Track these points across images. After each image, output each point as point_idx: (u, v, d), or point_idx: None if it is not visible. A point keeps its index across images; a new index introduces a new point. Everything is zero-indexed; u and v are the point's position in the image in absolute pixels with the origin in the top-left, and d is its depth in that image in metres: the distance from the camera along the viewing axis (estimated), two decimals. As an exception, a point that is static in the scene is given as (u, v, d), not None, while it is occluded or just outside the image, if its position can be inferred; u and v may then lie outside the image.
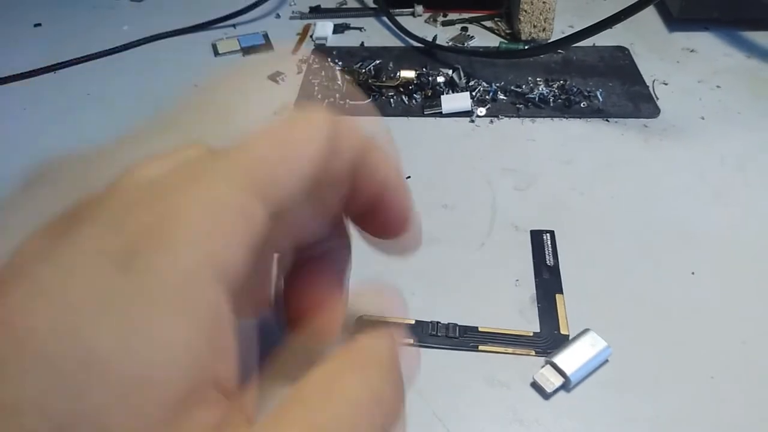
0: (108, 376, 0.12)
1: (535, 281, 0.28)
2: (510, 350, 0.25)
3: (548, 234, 0.30)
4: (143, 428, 0.12)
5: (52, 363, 0.12)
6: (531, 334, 0.26)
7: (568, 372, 0.24)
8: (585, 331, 0.25)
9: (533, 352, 0.25)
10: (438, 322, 0.26)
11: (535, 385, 0.24)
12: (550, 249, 0.29)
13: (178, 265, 0.13)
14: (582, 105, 0.39)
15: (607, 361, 0.25)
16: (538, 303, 0.27)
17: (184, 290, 0.13)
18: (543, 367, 0.24)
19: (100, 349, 0.12)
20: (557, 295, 0.27)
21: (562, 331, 0.26)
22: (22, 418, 0.12)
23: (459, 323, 0.26)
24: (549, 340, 0.26)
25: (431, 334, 0.26)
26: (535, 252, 0.29)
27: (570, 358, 0.24)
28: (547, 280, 0.28)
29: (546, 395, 0.24)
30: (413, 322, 0.26)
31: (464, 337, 0.26)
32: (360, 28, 0.49)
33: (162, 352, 0.13)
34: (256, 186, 0.14)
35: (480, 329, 0.26)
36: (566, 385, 0.24)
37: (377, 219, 0.19)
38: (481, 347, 0.25)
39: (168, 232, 0.13)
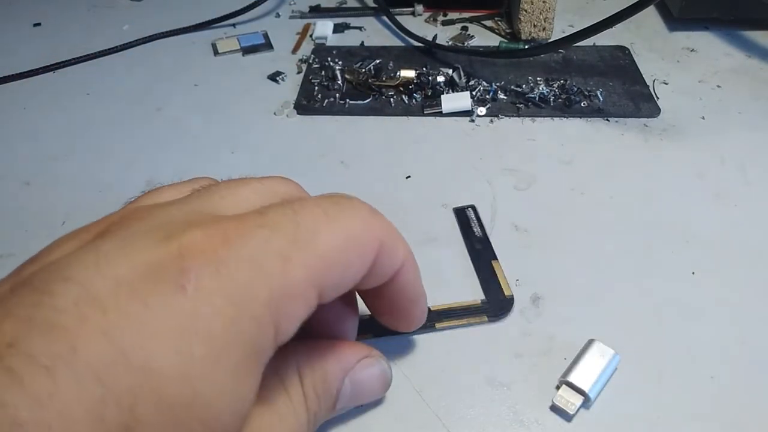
0: (203, 416, 0.14)
1: (469, 255, 0.29)
2: (464, 320, 0.26)
3: (470, 209, 0.32)
4: None
5: (161, 397, 0.13)
6: (479, 303, 0.27)
7: (586, 388, 0.23)
8: (590, 341, 0.25)
9: (486, 318, 0.26)
10: None
11: (555, 409, 0.23)
12: (475, 221, 0.31)
13: (261, 332, 0.15)
14: (582, 104, 0.39)
15: (616, 368, 0.24)
16: (477, 273, 0.28)
17: (260, 354, 0.15)
18: (559, 388, 0.24)
19: (203, 392, 0.13)
20: (493, 262, 0.29)
21: (506, 293, 0.27)
22: (72, 427, 0.12)
23: None
24: (496, 304, 0.27)
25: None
26: (462, 229, 0.30)
27: (584, 374, 0.23)
28: (480, 251, 0.29)
29: (569, 417, 0.23)
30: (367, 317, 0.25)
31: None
32: (360, 28, 0.49)
33: (236, 402, 0.14)
34: (321, 286, 0.17)
35: (432, 308, 0.26)
36: (586, 403, 0.23)
37: (396, 319, 0.23)
38: (438, 324, 0.26)
39: (259, 300, 0.15)
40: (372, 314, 0.24)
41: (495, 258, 0.29)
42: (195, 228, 0.15)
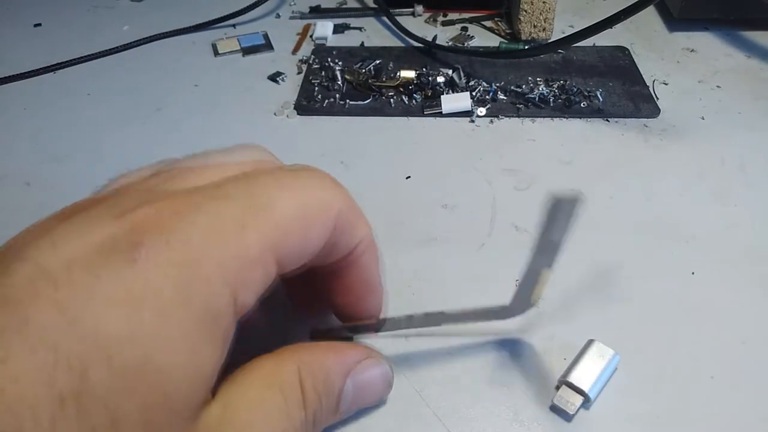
0: (157, 380, 0.14)
1: (533, 252, 0.21)
2: (472, 323, 0.23)
3: (575, 201, 0.19)
4: (178, 425, 0.14)
5: (112, 361, 0.13)
6: (498, 308, 0.23)
7: (586, 388, 0.23)
8: (590, 342, 0.25)
9: (495, 320, 0.23)
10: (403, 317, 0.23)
11: (555, 409, 0.23)
12: (566, 218, 0.20)
13: (215, 300, 0.15)
14: (582, 105, 0.39)
15: (616, 368, 0.24)
16: (527, 272, 0.22)
17: (217, 321, 0.15)
18: (558, 388, 0.24)
19: (154, 357, 0.13)
20: (544, 270, 0.22)
21: (532, 302, 0.22)
22: (25, 390, 0.12)
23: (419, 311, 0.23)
24: (516, 310, 0.23)
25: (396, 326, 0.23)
26: (548, 220, 0.20)
27: (583, 374, 0.23)
28: (542, 253, 0.21)
29: (568, 417, 0.23)
30: (374, 320, 0.23)
31: (428, 322, 0.23)
32: (360, 28, 0.49)
33: (194, 369, 0.15)
34: (279, 255, 0.17)
35: (446, 312, 0.23)
36: (586, 403, 0.23)
37: (350, 306, 0.22)
38: (444, 324, 0.23)
39: (213, 267, 0.15)
40: (327, 303, 0.23)
41: (549, 266, 0.21)
42: (147, 204, 0.15)
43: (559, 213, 0.19)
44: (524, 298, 0.23)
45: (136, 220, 0.15)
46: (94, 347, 0.13)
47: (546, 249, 0.21)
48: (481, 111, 0.39)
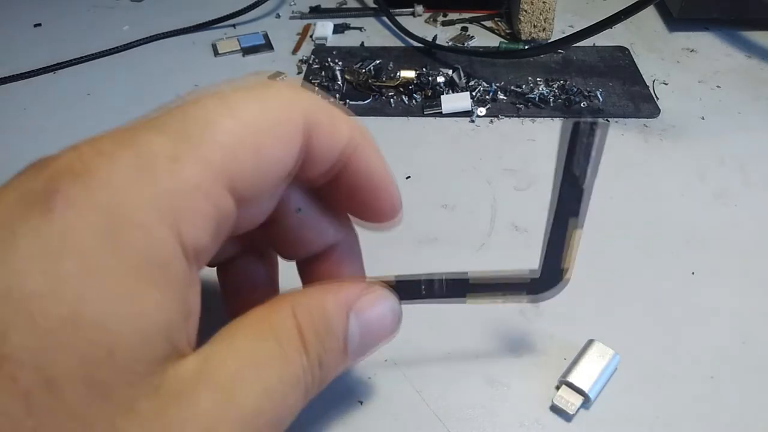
0: (92, 335, 0.12)
1: (554, 199, 0.19)
2: (500, 300, 0.21)
3: (601, 127, 0.18)
4: (131, 381, 0.13)
5: (35, 320, 0.12)
6: (527, 277, 0.21)
7: (586, 388, 0.23)
8: (590, 341, 0.25)
9: (525, 299, 0.21)
10: (423, 279, 0.22)
11: (555, 409, 0.23)
12: (592, 148, 0.18)
13: (151, 240, 0.13)
14: (582, 105, 0.39)
15: (616, 368, 0.24)
16: (548, 226, 0.20)
17: (159, 264, 0.14)
18: (559, 388, 0.24)
19: (84, 311, 0.12)
20: (575, 231, 0.19)
21: (566, 276, 0.20)
22: (6, 366, 0.12)
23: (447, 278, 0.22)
24: (547, 286, 0.21)
25: (414, 293, 0.22)
26: (567, 154, 0.19)
27: (583, 374, 0.23)
28: (567, 203, 0.19)
29: (569, 417, 0.23)
30: (393, 281, 0.21)
31: (451, 292, 0.22)
32: (360, 28, 0.49)
33: (140, 319, 0.13)
34: (230, 180, 0.15)
35: (470, 280, 0.21)
36: (586, 403, 0.23)
37: (367, 209, 0.20)
38: (469, 299, 0.22)
39: (143, 207, 0.14)
40: (341, 211, 0.21)
41: (580, 226, 0.19)
42: (71, 149, 0.14)
43: (583, 146, 0.16)
44: (554, 268, 0.20)
45: (56, 167, 0.14)
46: (12, 308, 0.12)
47: (570, 199, 0.17)
48: (481, 111, 0.39)
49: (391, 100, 0.40)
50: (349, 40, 0.47)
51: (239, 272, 0.22)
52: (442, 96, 0.39)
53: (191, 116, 0.15)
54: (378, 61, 0.43)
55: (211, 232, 0.15)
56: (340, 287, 0.19)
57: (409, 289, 0.22)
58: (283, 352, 0.16)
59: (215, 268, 0.23)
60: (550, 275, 0.21)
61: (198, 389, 0.14)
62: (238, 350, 0.16)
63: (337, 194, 0.20)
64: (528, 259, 0.29)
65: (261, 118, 0.16)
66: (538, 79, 0.41)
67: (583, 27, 0.38)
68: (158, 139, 0.14)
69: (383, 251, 0.30)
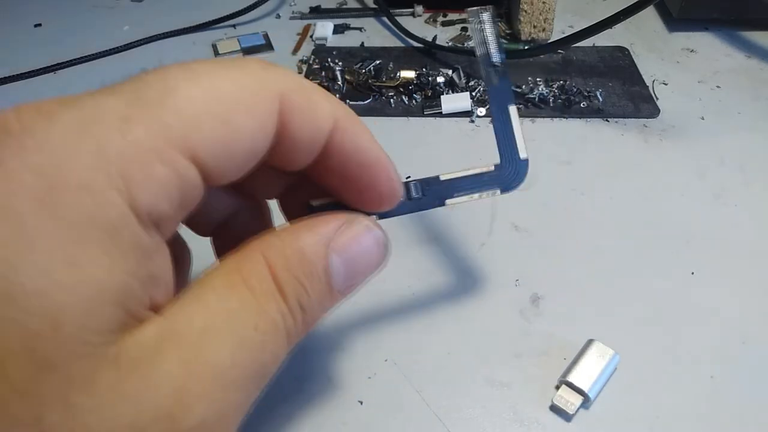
0: (32, 307, 0.12)
1: (482, 82, 0.23)
2: (476, 195, 0.22)
3: (485, 11, 0.22)
4: (83, 353, 0.12)
5: None
6: (492, 169, 0.22)
7: (586, 388, 0.23)
8: (590, 341, 0.25)
9: (498, 191, 0.22)
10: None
11: (555, 409, 0.24)
12: (489, 37, 0.22)
13: (95, 203, 0.12)
14: (582, 105, 0.39)
15: (616, 368, 0.24)
16: (493, 121, 0.22)
17: (106, 228, 0.13)
18: (558, 388, 0.24)
19: (21, 282, 0.12)
20: (510, 107, 0.22)
21: (521, 155, 0.22)
22: None
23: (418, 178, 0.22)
24: (509, 170, 0.22)
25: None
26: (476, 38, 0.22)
27: (583, 374, 0.23)
28: (497, 88, 0.22)
29: (568, 417, 0.23)
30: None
31: (428, 195, 0.21)
32: (360, 29, 0.49)
33: (87, 286, 0.12)
34: (191, 149, 0.14)
35: (441, 178, 0.21)
36: (586, 403, 0.23)
37: (364, 194, 0.19)
38: (448, 201, 0.21)
39: (87, 168, 0.12)
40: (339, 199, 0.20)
41: (512, 101, 0.22)
42: (8, 110, 0.13)
43: (480, 31, 0.19)
44: (512, 155, 0.22)
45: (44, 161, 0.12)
46: (12, 299, 0.11)
47: (500, 89, 0.21)
48: (481, 111, 0.39)
49: (391, 100, 0.40)
50: (349, 40, 0.47)
51: (232, 239, 0.21)
52: (442, 96, 0.39)
53: (150, 81, 0.14)
54: (378, 62, 0.43)
55: (171, 199, 0.14)
56: (315, 223, 0.17)
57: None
58: (256, 299, 0.15)
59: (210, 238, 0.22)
60: (510, 163, 0.22)
61: (162, 352, 0.13)
62: (206, 305, 0.14)
63: (328, 182, 0.19)
64: (527, 259, 0.29)
65: (230, 88, 0.14)
66: (537, 79, 0.41)
67: (583, 27, 0.38)
68: (108, 100, 0.13)
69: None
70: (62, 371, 0.12)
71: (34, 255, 0.12)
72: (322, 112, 0.16)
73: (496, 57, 0.22)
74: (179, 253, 0.22)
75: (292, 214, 0.21)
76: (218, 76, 0.14)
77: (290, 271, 0.16)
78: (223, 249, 0.22)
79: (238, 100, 0.14)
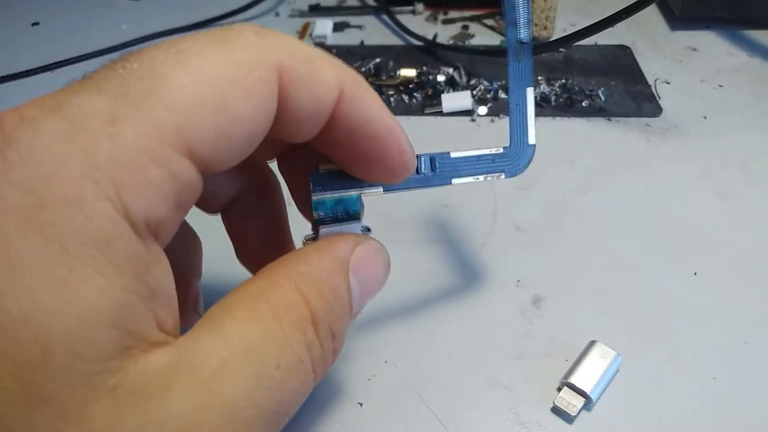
0: (19, 334, 0.11)
1: (508, 60, 0.21)
2: (482, 177, 0.21)
3: None
4: (76, 383, 0.11)
5: None
6: (501, 151, 0.22)
7: (588, 390, 0.23)
8: (592, 342, 0.24)
9: (503, 175, 0.22)
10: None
11: (556, 410, 0.23)
12: (521, 11, 0.22)
13: (85, 217, 0.12)
14: (584, 104, 0.39)
15: (618, 369, 0.24)
16: (509, 101, 0.22)
17: (98, 243, 0.12)
18: (560, 390, 0.23)
19: (7, 308, 0.11)
20: (527, 90, 0.21)
21: (530, 141, 0.22)
22: None
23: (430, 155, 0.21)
24: (518, 155, 0.22)
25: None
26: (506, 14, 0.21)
27: (585, 375, 0.23)
28: (519, 68, 0.22)
29: (570, 419, 0.23)
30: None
31: (437, 171, 0.21)
32: (360, 27, 0.48)
33: (78, 308, 0.11)
34: (187, 143, 0.13)
35: (452, 155, 0.21)
36: (588, 404, 0.23)
37: (375, 167, 0.17)
38: (454, 180, 0.21)
39: (75, 180, 0.12)
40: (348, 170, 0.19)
41: (530, 83, 0.21)
42: None
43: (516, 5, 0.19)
44: (521, 139, 0.22)
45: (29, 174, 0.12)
46: (3, 328, 0.11)
47: (521, 70, 0.20)
48: (482, 110, 0.39)
49: (392, 99, 0.40)
50: (349, 38, 0.47)
51: (242, 214, 0.21)
52: (442, 95, 0.39)
53: (135, 70, 0.13)
54: (378, 60, 0.43)
55: (168, 202, 0.13)
56: (333, 245, 0.17)
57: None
58: (283, 331, 0.14)
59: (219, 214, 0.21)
60: (519, 146, 0.22)
61: (170, 386, 0.12)
62: (225, 335, 0.13)
63: (334, 153, 0.17)
64: (529, 260, 0.29)
65: (223, 67, 0.13)
66: (539, 77, 0.41)
67: (585, 26, 0.37)
68: (93, 99, 0.12)
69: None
70: (54, 405, 0.11)
71: (20, 279, 0.11)
72: (325, 81, 0.15)
73: (524, 33, 0.21)
74: (188, 243, 0.21)
75: (292, 175, 0.21)
76: (209, 54, 0.13)
77: (324, 300, 0.15)
78: (233, 225, 0.21)
79: (233, 80, 0.13)
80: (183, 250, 0.21)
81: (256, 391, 0.13)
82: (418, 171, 0.20)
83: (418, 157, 0.20)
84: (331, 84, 0.15)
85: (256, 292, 0.15)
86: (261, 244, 0.19)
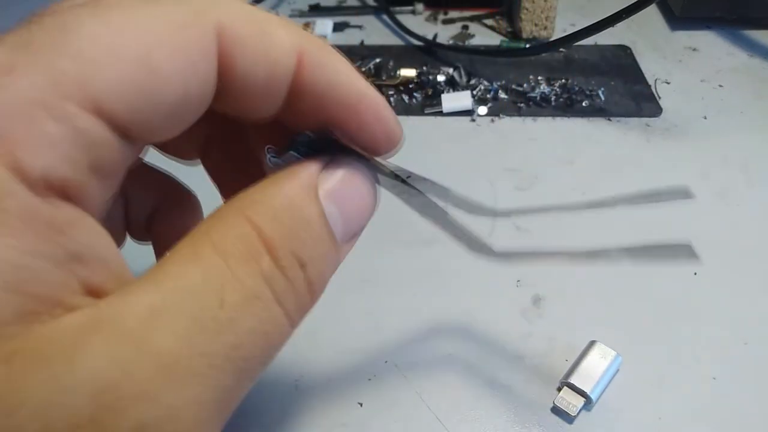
0: None
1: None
2: (456, 238, 0.21)
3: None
4: None
5: None
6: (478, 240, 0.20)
7: (587, 390, 0.23)
8: (592, 343, 0.24)
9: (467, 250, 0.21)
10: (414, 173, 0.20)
11: (556, 410, 0.23)
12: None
13: None
14: (584, 104, 0.39)
15: (618, 369, 0.24)
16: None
17: None
18: (560, 390, 0.23)
19: None
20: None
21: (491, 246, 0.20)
22: None
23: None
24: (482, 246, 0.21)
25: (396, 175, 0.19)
26: None
27: (585, 375, 0.23)
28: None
29: (570, 419, 0.23)
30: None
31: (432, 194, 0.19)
32: (360, 27, 0.48)
33: None
34: (92, 98, 0.11)
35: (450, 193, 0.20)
36: (588, 404, 0.23)
37: (354, 140, 0.15)
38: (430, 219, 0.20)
39: None
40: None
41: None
42: None
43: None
44: (479, 243, 0.21)
45: None
46: None
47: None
48: (482, 110, 0.39)
49: (391, 99, 0.40)
50: (349, 38, 0.47)
51: (219, 160, 0.19)
52: (442, 95, 0.39)
53: (44, 22, 0.12)
54: (378, 60, 0.43)
55: (74, 161, 0.11)
56: (294, 170, 0.14)
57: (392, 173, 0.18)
58: (228, 265, 0.12)
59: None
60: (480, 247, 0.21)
61: (85, 344, 0.10)
62: (158, 282, 0.12)
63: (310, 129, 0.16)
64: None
65: (149, 23, 0.12)
66: (539, 77, 0.41)
67: (585, 25, 0.37)
68: None
69: (384, 252, 0.30)
70: None
71: None
72: (279, 45, 0.13)
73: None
74: (185, 203, 0.20)
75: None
76: (135, 9, 0.12)
77: (281, 222, 0.13)
78: (213, 169, 0.19)
79: (159, 37, 0.12)
80: (181, 208, 0.20)
81: (195, 337, 0.11)
82: (409, 185, 0.19)
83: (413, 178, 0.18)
84: (285, 47, 0.13)
85: (201, 230, 0.13)
86: (244, 183, 0.16)
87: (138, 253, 0.19)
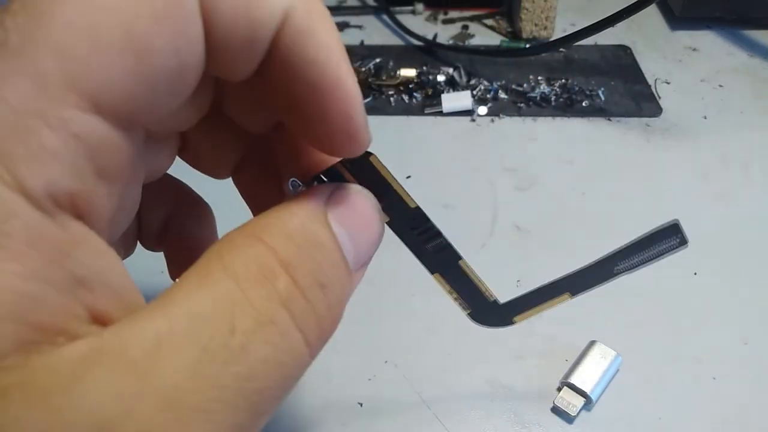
0: None
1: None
2: (452, 297, 0.22)
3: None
4: None
5: None
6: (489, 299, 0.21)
7: (587, 390, 0.23)
8: (592, 343, 0.24)
9: (466, 314, 0.22)
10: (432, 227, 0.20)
11: (556, 410, 0.23)
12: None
13: None
14: (584, 104, 0.39)
15: (618, 369, 0.24)
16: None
17: None
18: (560, 390, 0.23)
19: None
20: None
21: (489, 297, 0.21)
22: None
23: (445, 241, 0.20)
24: (485, 312, 0.22)
25: (412, 229, 0.19)
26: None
27: (585, 375, 0.23)
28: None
29: (570, 419, 0.23)
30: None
31: (437, 258, 0.20)
32: (360, 27, 0.48)
33: None
34: (80, 88, 0.10)
35: (461, 265, 0.20)
36: (588, 404, 0.23)
37: (314, 127, 0.14)
38: (435, 277, 0.21)
39: None
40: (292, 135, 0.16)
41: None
42: None
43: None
44: (483, 302, 0.22)
45: None
46: None
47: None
48: (482, 110, 0.39)
49: (391, 99, 0.40)
50: (349, 38, 0.47)
51: (252, 178, 0.18)
52: (442, 95, 0.39)
53: (17, 12, 0.10)
54: (378, 60, 0.43)
55: (78, 169, 0.11)
56: (303, 197, 0.14)
57: (413, 220, 0.18)
58: (239, 288, 0.11)
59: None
60: (486, 308, 0.21)
61: (86, 376, 0.10)
62: (166, 309, 0.11)
63: (270, 101, 0.14)
64: (529, 259, 0.29)
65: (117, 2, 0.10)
66: (539, 77, 0.41)
67: (585, 25, 0.37)
68: None
69: (383, 251, 0.30)
70: None
71: None
72: (262, 9, 0.11)
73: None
74: (195, 212, 0.20)
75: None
76: None
77: (296, 244, 0.12)
78: (246, 187, 0.18)
79: (137, 4, 0.10)
80: (194, 218, 0.20)
81: (204, 368, 0.10)
82: (419, 244, 0.19)
83: (435, 235, 0.19)
84: (273, 6, 0.12)
85: (210, 256, 0.12)
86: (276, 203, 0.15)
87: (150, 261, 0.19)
